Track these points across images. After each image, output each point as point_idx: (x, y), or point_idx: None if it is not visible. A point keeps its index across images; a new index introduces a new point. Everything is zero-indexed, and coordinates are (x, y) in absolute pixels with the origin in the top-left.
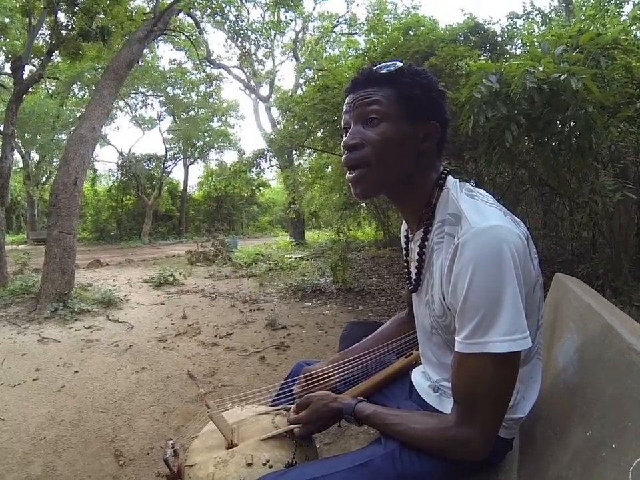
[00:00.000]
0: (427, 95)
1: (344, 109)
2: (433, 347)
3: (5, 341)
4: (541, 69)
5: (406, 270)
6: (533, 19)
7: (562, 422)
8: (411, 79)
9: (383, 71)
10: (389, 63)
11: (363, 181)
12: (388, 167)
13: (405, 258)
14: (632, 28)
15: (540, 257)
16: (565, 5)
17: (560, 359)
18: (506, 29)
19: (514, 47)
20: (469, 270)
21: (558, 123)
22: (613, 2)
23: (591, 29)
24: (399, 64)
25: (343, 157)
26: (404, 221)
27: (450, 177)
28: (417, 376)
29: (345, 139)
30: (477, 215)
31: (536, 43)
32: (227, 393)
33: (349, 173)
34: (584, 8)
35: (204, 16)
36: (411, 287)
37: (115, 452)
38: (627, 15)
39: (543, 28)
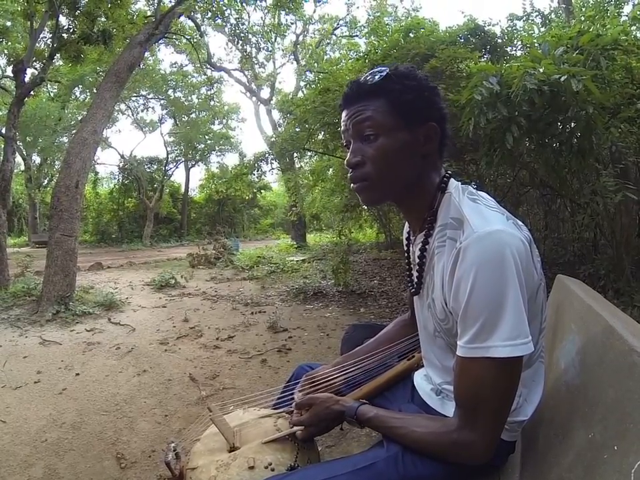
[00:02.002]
0: (419, 97)
1: (342, 127)
2: (436, 349)
3: (6, 343)
4: (541, 70)
5: (407, 272)
6: (532, 20)
7: (564, 424)
8: (399, 84)
9: (370, 83)
10: (375, 71)
11: (366, 192)
12: (391, 178)
13: (406, 260)
14: (632, 28)
15: (541, 258)
16: (564, 6)
17: (562, 361)
18: (506, 31)
19: (514, 48)
20: (471, 274)
21: (558, 124)
22: (612, 3)
23: (590, 29)
24: (385, 71)
25: (349, 174)
26: (406, 223)
27: (452, 180)
28: (419, 379)
29: (347, 157)
30: (479, 220)
31: (536, 45)
32: (228, 396)
33: (353, 184)
34: (584, 9)
35: (205, 19)
36: (412, 289)
37: (116, 455)
38: (626, 16)
39: (542, 29)
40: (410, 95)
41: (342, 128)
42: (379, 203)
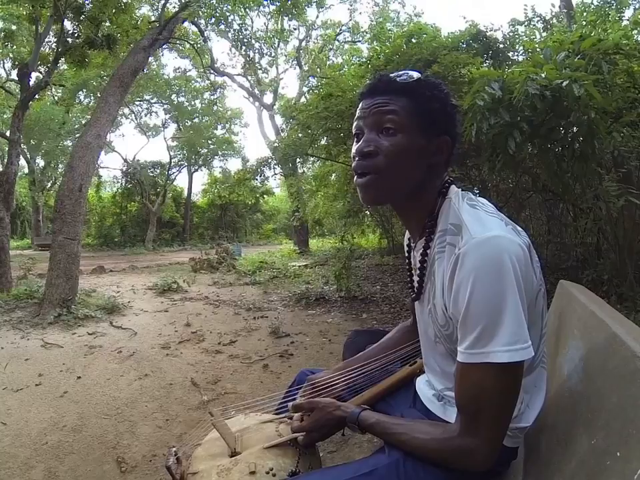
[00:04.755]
0: (442, 109)
1: (357, 114)
2: (437, 356)
3: (8, 346)
4: (543, 75)
5: (408, 278)
6: (534, 25)
7: (567, 431)
8: (429, 92)
9: (401, 81)
10: (404, 73)
11: (373, 187)
12: (398, 177)
13: (407, 266)
14: (633, 32)
15: (544, 263)
16: (566, 10)
17: (565, 367)
18: (508, 36)
19: (516, 53)
20: (470, 280)
21: (561, 129)
22: (613, 7)
23: (592, 34)
24: (417, 74)
25: (354, 162)
26: (406, 230)
27: (453, 186)
28: (421, 384)
29: (358, 145)
30: (478, 225)
31: (538, 50)
32: (230, 401)
33: (359, 178)
34: (585, 13)
35: (208, 24)
36: (413, 295)
37: (117, 458)
38: (627, 20)
39: (544, 34)
40: (436, 104)
41: (358, 114)
42: (380, 202)
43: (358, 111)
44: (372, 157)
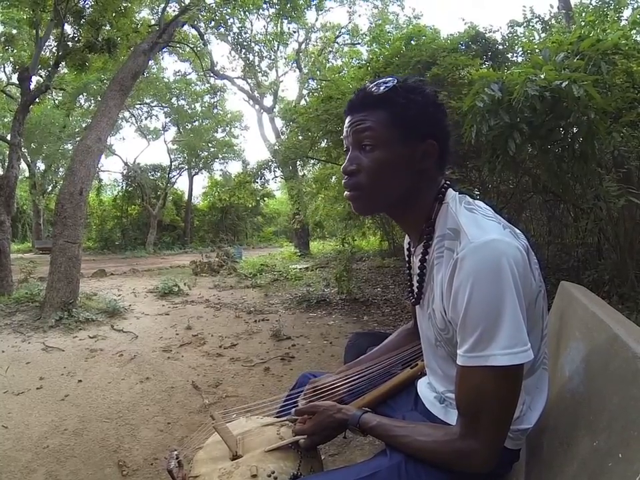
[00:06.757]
0: (422, 113)
1: (344, 133)
2: (438, 359)
3: (9, 349)
4: (542, 76)
5: (409, 283)
6: (533, 26)
7: (568, 432)
8: (404, 99)
9: (375, 93)
10: (382, 81)
11: (358, 201)
12: (382, 190)
13: (407, 271)
14: (632, 32)
15: (545, 264)
16: (564, 11)
17: (566, 369)
18: (507, 37)
19: (515, 54)
20: (468, 284)
21: (560, 129)
22: (612, 7)
23: (591, 34)
24: (392, 82)
25: (343, 180)
26: (406, 234)
27: (450, 191)
28: (422, 387)
29: (344, 164)
30: (476, 229)
31: (537, 51)
32: (231, 404)
33: (347, 191)
34: (584, 14)
35: (208, 28)
36: (413, 299)
37: (118, 462)
38: (626, 20)
39: (543, 35)
40: (413, 110)
41: (343, 134)
42: (370, 213)
43: (344, 129)
44: (355, 175)
